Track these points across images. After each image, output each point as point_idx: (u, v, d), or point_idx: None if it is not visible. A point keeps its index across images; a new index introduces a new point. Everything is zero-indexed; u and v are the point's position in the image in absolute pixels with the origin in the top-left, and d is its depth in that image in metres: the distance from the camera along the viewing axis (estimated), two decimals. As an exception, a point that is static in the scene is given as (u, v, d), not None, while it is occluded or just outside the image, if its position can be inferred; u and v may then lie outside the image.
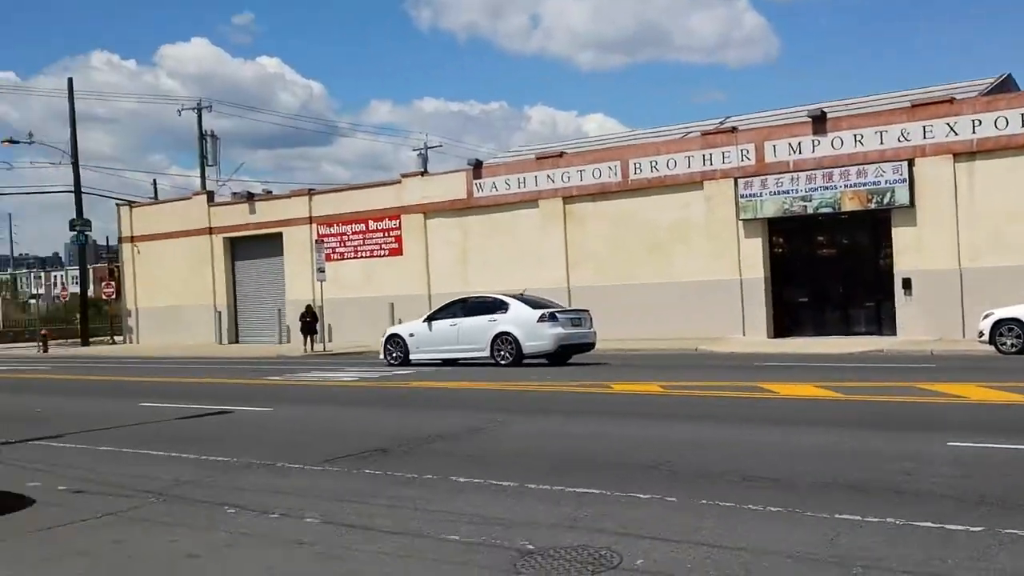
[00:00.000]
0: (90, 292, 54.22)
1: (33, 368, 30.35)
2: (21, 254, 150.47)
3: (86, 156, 52.19)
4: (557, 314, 24.21)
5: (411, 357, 25.36)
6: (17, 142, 48.87)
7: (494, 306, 24.69)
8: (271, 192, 46.31)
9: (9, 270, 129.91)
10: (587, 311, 25.57)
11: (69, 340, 52.22)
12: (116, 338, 49.69)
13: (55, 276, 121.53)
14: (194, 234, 44.53)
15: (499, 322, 24.07)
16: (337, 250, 40.20)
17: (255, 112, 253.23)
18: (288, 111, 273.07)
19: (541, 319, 23.74)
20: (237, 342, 43.47)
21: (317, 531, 7.65)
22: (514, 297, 24.97)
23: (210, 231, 44.22)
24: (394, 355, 25.83)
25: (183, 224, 44.91)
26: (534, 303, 24.83)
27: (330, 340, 38.42)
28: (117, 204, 48.35)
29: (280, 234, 42.09)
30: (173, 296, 44.87)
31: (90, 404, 18.29)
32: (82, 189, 48.54)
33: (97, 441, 12.93)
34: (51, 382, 24.36)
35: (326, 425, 14.02)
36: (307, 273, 39.81)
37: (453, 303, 26.25)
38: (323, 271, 35.59)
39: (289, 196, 43.09)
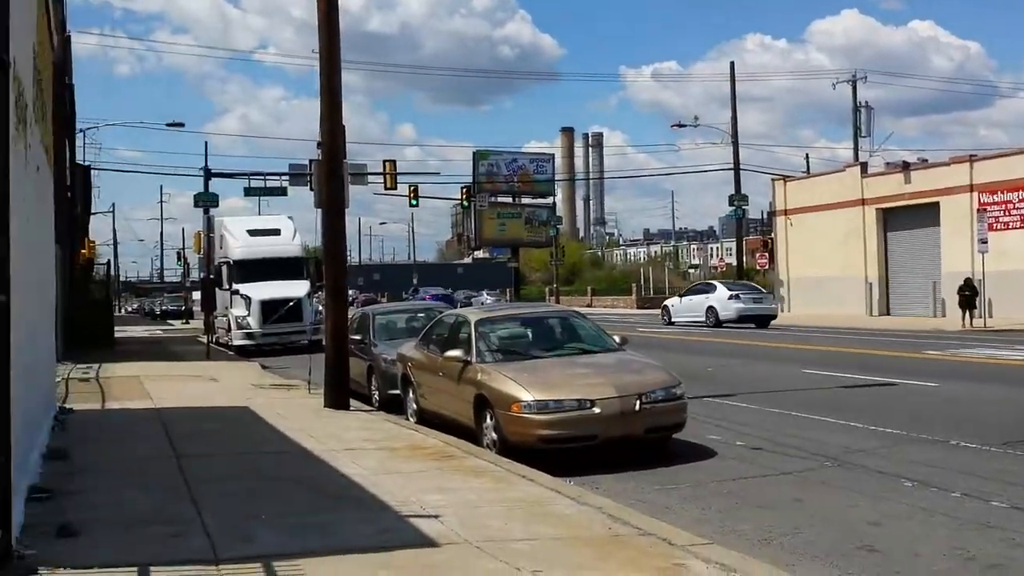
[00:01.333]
0: (744, 263, 56.96)
1: (698, 331, 32.91)
2: (681, 228, 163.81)
3: (741, 135, 55.33)
4: (741, 294, 35.31)
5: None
6: (684, 126, 53.20)
7: (708, 288, 37.66)
8: (926, 160, 44.23)
9: (671, 242, 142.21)
10: (766, 291, 36.23)
11: (725, 307, 55.56)
12: (769, 307, 51.67)
13: (711, 248, 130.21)
14: (846, 206, 44.34)
15: (709, 299, 35.91)
16: (1001, 219, 37.05)
17: (905, 79, 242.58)
18: (941, 75, 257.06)
19: (731, 297, 35.05)
20: (888, 314, 42.47)
21: (1004, 516, 7.24)
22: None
23: (862, 202, 43.67)
24: None
25: (835, 196, 44.97)
26: (732, 285, 36.76)
27: (990, 316, 35.65)
28: (772, 179, 50.09)
29: (936, 203, 40.01)
30: (823, 267, 45.27)
31: (753, 367, 19.33)
32: (740, 166, 51.17)
33: (765, 402, 13.65)
34: (715, 345, 26.21)
35: (997, 405, 13.09)
36: (965, 244, 37.30)
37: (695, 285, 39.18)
38: (985, 242, 33.10)
39: (948, 163, 40.74)
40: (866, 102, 53.31)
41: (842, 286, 44.21)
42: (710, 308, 35.38)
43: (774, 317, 35.85)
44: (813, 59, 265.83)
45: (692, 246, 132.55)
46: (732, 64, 51.85)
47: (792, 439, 10.76)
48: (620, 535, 6.45)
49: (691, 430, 10.79)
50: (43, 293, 10.48)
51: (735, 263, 56.68)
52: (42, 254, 10.37)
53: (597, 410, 9.64)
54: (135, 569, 5.60)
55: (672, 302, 39.38)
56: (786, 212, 48.22)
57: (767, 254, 50.92)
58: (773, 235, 50.04)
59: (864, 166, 45.60)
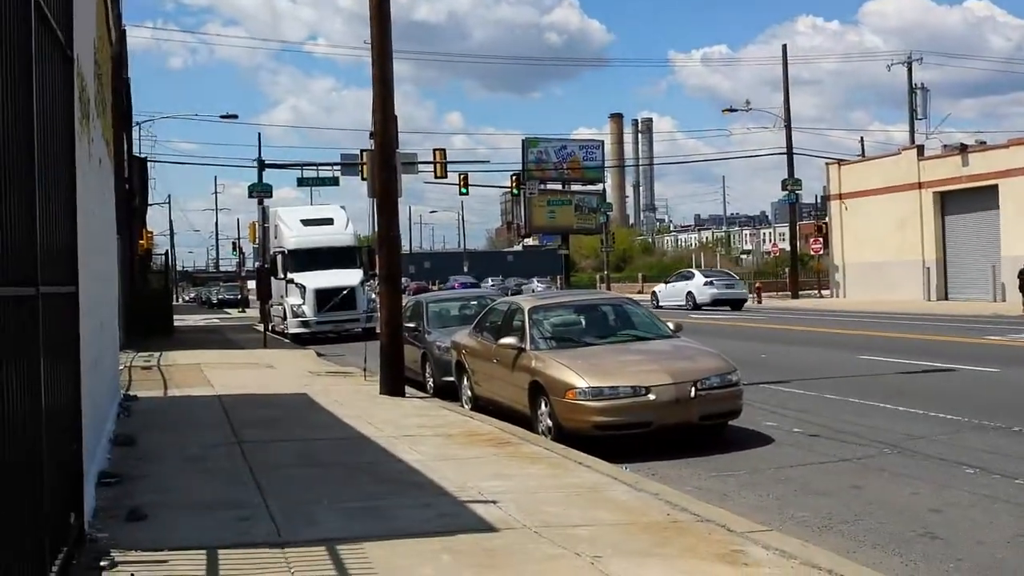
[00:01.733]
0: (797, 248, 56.31)
1: (751, 318, 32.69)
2: (732, 213, 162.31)
3: (793, 119, 54.57)
4: (715, 281, 39.85)
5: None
6: (735, 110, 52.68)
7: (688, 275, 42.23)
8: (984, 143, 43.30)
9: (723, 228, 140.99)
10: (737, 277, 42.63)
11: (778, 293, 55.08)
12: (823, 292, 51.09)
13: (763, 233, 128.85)
14: (902, 189, 43.62)
15: (688, 284, 40.31)
16: (1064, 202, 36.20)
17: (961, 60, 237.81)
18: (999, 55, 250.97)
19: (706, 284, 39.45)
20: (946, 299, 41.75)
21: (1069, 503, 7.13)
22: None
23: (919, 186, 42.92)
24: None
25: (890, 180, 44.26)
26: (708, 273, 42.44)
27: (1052, 301, 34.85)
28: (827, 163, 49.42)
29: (995, 186, 39.19)
30: (879, 251, 44.63)
31: (807, 353, 19.17)
32: (793, 151, 50.56)
33: (820, 388, 13.54)
34: (769, 331, 26.01)
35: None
36: (1026, 228, 36.55)
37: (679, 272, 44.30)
38: (1047, 225, 32.37)
39: (1007, 145, 39.86)
40: (922, 83, 52.43)
41: (898, 271, 43.55)
42: (689, 293, 39.93)
43: (745, 301, 40.94)
44: (866, 41, 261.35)
45: (744, 231, 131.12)
46: (784, 47, 51.28)
47: (850, 426, 10.67)
48: (678, 521, 6.47)
49: (746, 417, 10.75)
50: (108, 284, 10.73)
51: (788, 248, 56.04)
52: (106, 246, 10.61)
53: (652, 397, 9.64)
54: (204, 552, 5.75)
55: (659, 288, 43.80)
56: (841, 196, 47.58)
57: (821, 239, 50.30)
58: (827, 220, 49.41)
59: (920, 149, 44.81)
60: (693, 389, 9.74)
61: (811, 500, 7.67)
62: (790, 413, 11.68)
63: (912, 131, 52.06)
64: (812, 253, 54.72)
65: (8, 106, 3.77)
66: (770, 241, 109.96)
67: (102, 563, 5.39)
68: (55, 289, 4.98)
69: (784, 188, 51.19)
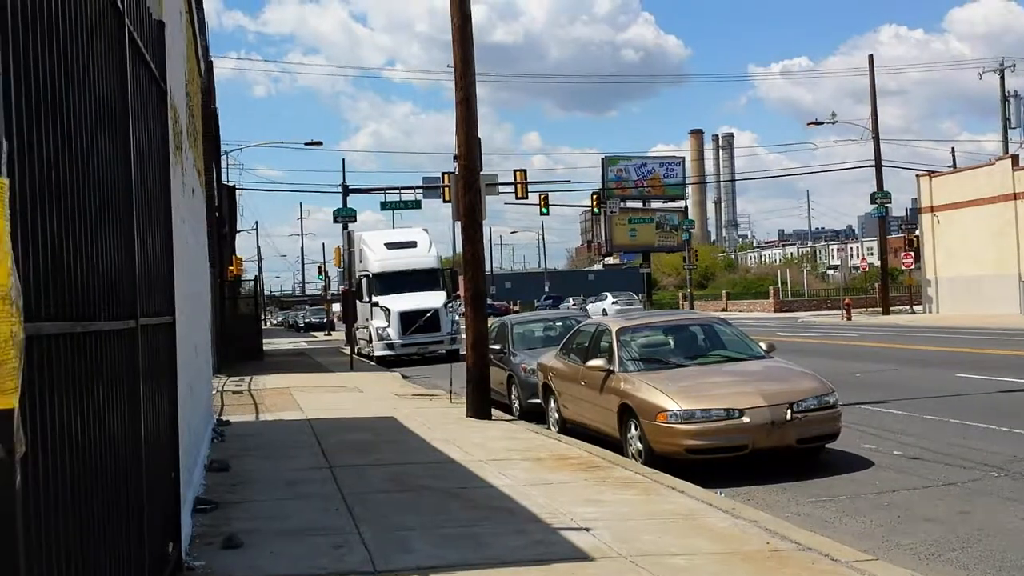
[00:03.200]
0: (887, 263, 54.91)
1: (841, 335, 31.92)
2: (817, 228, 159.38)
3: (879, 129, 53.28)
4: (620, 301, 50.30)
5: None
6: (821, 123, 51.65)
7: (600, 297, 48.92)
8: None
9: (808, 243, 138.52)
10: (638, 297, 50.68)
11: (868, 309, 53.74)
12: (914, 308, 49.70)
13: (850, 247, 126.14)
14: (996, 200, 42.23)
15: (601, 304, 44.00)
16: None
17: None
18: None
19: (613, 302, 47.88)
20: (1046, 314, 40.18)
21: None
22: None
23: (1014, 196, 41.52)
24: None
25: (984, 191, 42.90)
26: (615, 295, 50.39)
27: None
28: (917, 175, 48.16)
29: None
30: (973, 265, 43.24)
31: (902, 371, 18.59)
32: (882, 163, 49.39)
33: (920, 409, 13.08)
34: (860, 349, 25.33)
35: None
36: None
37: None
38: None
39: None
40: (1015, 91, 50.80)
41: (993, 285, 42.16)
42: (603, 311, 46.12)
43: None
44: (952, 48, 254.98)
45: (831, 246, 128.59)
46: (871, 57, 50.13)
47: (953, 448, 10.27)
48: (779, 550, 6.27)
49: (843, 439, 10.42)
50: (202, 310, 10.93)
51: (878, 263, 54.70)
52: (200, 273, 10.81)
53: (746, 420, 9.41)
54: (299, 581, 5.75)
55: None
56: (932, 209, 46.30)
57: (912, 253, 48.98)
58: (918, 233, 48.12)
59: (1015, 159, 43.36)
60: (789, 411, 9.47)
61: (917, 526, 7.37)
62: (889, 435, 11.30)
63: (1006, 140, 50.51)
64: (903, 268, 53.31)
65: (107, 142, 3.83)
66: (858, 256, 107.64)
67: (200, 592, 5.42)
68: (154, 320, 5.05)
69: (873, 201, 49.95)
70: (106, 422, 3.63)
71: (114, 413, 3.81)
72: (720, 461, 9.52)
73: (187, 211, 8.57)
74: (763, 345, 11.68)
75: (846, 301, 48.30)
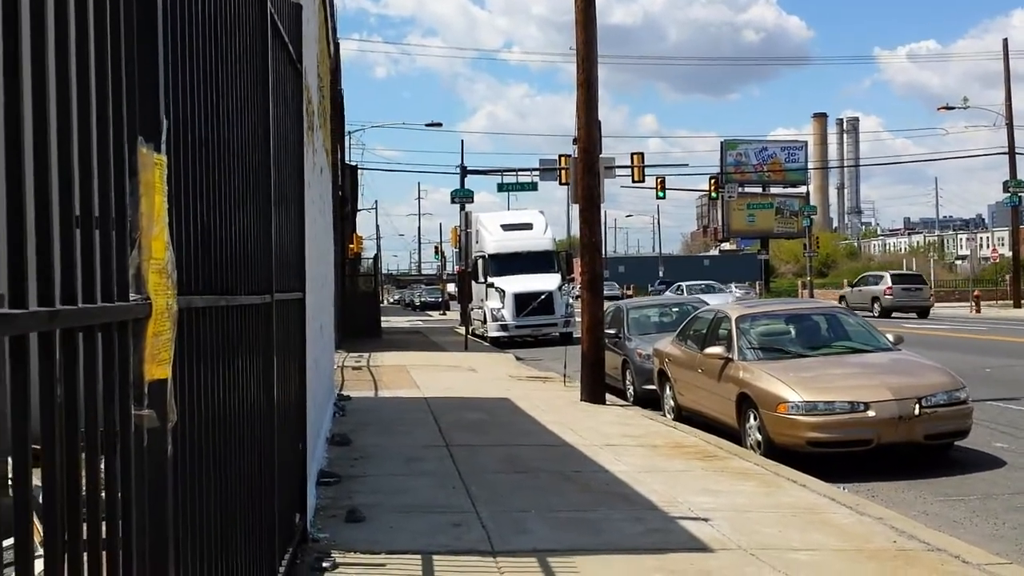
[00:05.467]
0: (1019, 253, 52.44)
1: (970, 328, 30.68)
2: (945, 216, 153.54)
3: (1013, 115, 50.91)
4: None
5: None
6: (952, 108, 49.59)
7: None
8: None
9: (935, 231, 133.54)
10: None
11: (998, 301, 51.54)
12: (1049, 301, 47.37)
13: (980, 237, 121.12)
14: None
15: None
16: None
17: None
18: None
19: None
20: None
21: None
22: None
23: None
24: None
25: None
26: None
27: None
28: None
29: None
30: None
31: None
32: (1015, 150, 47.18)
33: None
34: (990, 343, 24.29)
35: None
36: None
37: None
38: None
39: None
40: None
41: None
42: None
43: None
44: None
45: (959, 236, 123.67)
46: (1005, 41, 47.93)
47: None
48: (906, 550, 6.07)
49: (973, 436, 10.02)
50: (327, 288, 11.19)
51: (1009, 254, 52.33)
52: (326, 252, 11.06)
53: (871, 413, 9.13)
54: (419, 557, 5.84)
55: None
56: (1073, 198, 44.00)
57: (1047, 244, 46.65)
58: (1057, 222, 45.82)
59: None
60: (917, 406, 9.15)
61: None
62: (1022, 433, 10.82)
63: None
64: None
65: (249, 123, 3.92)
66: (988, 246, 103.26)
67: (324, 564, 5.55)
68: (286, 296, 5.18)
69: (1006, 190, 47.77)
70: (244, 393, 3.75)
71: (251, 384, 3.93)
72: (841, 455, 9.27)
73: (316, 190, 8.76)
74: (890, 337, 11.30)
75: (975, 293, 46.36)
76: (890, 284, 39.18)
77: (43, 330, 1.61)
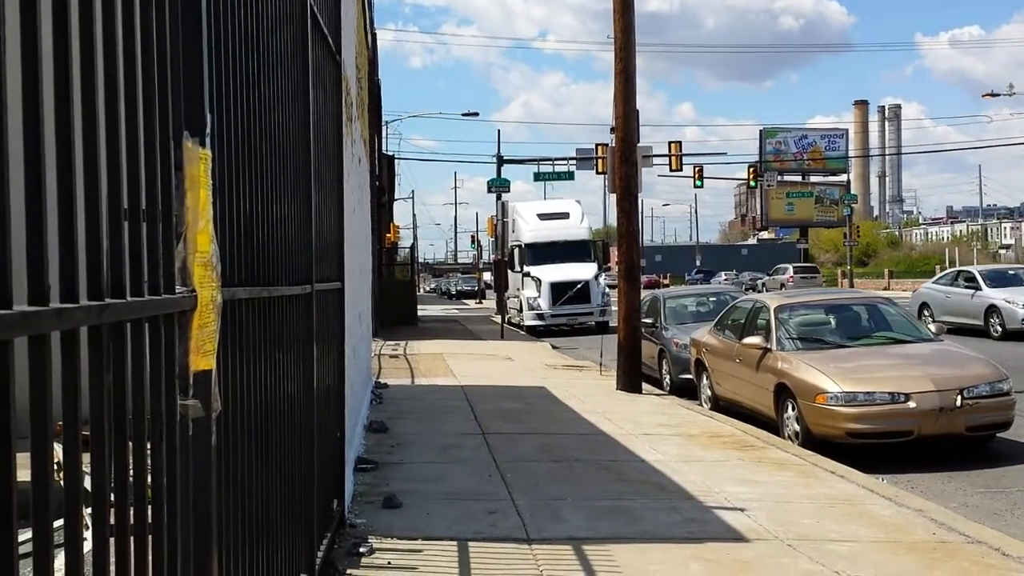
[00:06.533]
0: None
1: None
2: (989, 205, 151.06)
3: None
4: None
5: None
6: (997, 95, 48.88)
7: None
8: None
9: (979, 220, 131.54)
10: None
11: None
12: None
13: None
14: None
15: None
16: None
17: None
18: None
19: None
20: None
21: None
22: None
23: None
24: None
25: None
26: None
27: None
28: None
29: None
30: None
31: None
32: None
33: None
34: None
35: None
36: None
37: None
38: None
39: None
40: None
41: None
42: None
43: None
44: None
45: (1004, 224, 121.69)
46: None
47: None
48: (946, 542, 6.02)
49: (1016, 428, 9.90)
50: (364, 277, 11.27)
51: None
52: (363, 241, 11.13)
53: (912, 404, 9.05)
54: (455, 543, 5.89)
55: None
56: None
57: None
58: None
59: None
60: (959, 398, 9.06)
61: None
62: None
63: None
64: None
65: (289, 116, 3.97)
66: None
67: (361, 549, 5.62)
68: (326, 286, 5.23)
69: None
70: (285, 382, 3.81)
71: (291, 373, 3.99)
72: (880, 446, 9.21)
73: (355, 180, 8.82)
74: (931, 327, 11.19)
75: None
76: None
77: (93, 324, 1.66)
